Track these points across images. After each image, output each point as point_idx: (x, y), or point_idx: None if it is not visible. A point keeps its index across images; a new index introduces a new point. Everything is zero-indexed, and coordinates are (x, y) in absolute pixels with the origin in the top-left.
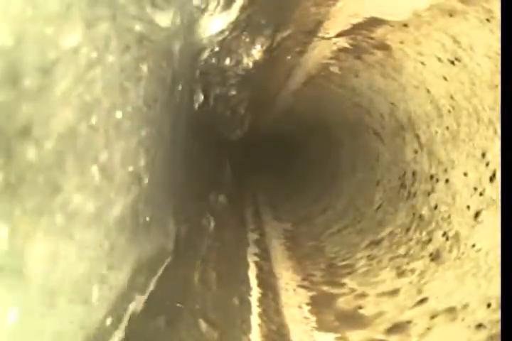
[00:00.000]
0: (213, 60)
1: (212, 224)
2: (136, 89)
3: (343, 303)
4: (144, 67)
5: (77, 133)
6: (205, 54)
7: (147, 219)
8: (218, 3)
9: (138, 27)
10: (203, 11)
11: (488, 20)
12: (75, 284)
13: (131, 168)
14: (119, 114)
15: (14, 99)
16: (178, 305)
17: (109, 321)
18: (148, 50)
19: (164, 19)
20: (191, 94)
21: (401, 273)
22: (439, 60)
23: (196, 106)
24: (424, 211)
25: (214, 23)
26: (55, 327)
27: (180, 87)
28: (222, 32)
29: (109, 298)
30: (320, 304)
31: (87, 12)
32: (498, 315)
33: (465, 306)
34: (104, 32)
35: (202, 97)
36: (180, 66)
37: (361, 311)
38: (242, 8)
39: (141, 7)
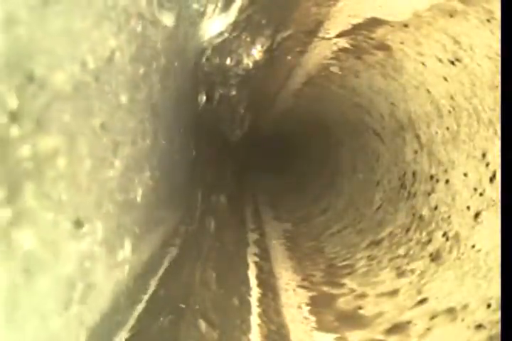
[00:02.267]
0: (214, 61)
1: (212, 224)
2: (141, 89)
3: (342, 303)
4: (150, 68)
5: (82, 135)
6: (206, 55)
7: (148, 219)
8: (216, 6)
9: (145, 27)
10: (202, 14)
11: (488, 20)
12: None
13: (132, 168)
14: (121, 114)
15: None
16: (181, 305)
17: (114, 321)
18: (153, 50)
19: (169, 20)
20: (193, 95)
21: (401, 274)
22: (440, 60)
23: (198, 107)
24: (424, 211)
25: (213, 26)
26: (57, 327)
27: (183, 88)
28: (221, 33)
29: (111, 298)
30: (320, 304)
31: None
32: (498, 316)
33: (465, 307)
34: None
35: (204, 98)
36: (183, 68)
37: (361, 311)
38: (241, 10)
39: (150, 6)
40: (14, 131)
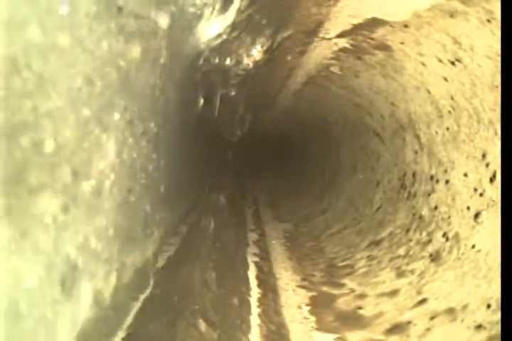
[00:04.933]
0: (213, 62)
1: (212, 224)
2: (139, 90)
3: (342, 304)
4: (147, 71)
5: (85, 135)
6: (205, 56)
7: (146, 218)
8: (214, 8)
9: (140, 27)
10: (199, 16)
11: (488, 21)
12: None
13: (131, 169)
14: (119, 116)
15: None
16: (180, 305)
17: (110, 320)
18: (150, 52)
19: (163, 21)
20: (192, 96)
21: (401, 274)
22: (440, 60)
23: (197, 107)
24: (424, 211)
25: (211, 28)
26: (55, 325)
27: (181, 88)
28: (219, 35)
29: (107, 297)
30: (319, 304)
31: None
32: (497, 316)
33: (465, 307)
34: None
35: (203, 99)
36: (179, 70)
37: (361, 311)
38: (240, 11)
39: (146, 7)
40: None
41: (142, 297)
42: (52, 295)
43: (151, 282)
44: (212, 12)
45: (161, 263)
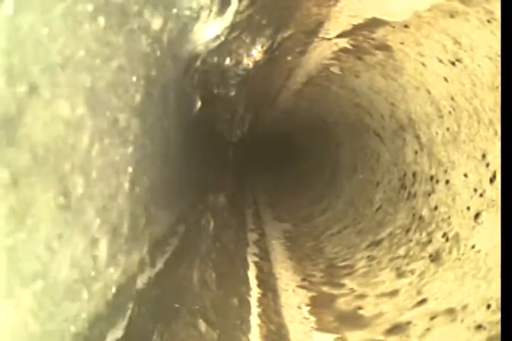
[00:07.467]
0: (213, 63)
1: (212, 224)
2: (137, 92)
3: (342, 304)
4: (138, 73)
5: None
6: (203, 58)
7: (145, 220)
8: (211, 11)
9: (133, 29)
10: (196, 19)
11: (488, 21)
12: (69, 280)
13: (129, 170)
14: (119, 118)
15: None
16: (176, 305)
17: (104, 319)
18: (145, 55)
19: (158, 23)
20: (191, 96)
21: (401, 274)
22: (440, 60)
23: (196, 107)
24: (424, 212)
25: (208, 30)
26: (48, 325)
27: (178, 89)
28: (217, 37)
29: (103, 296)
30: (319, 304)
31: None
32: (497, 316)
33: (464, 307)
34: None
35: (203, 99)
36: (177, 71)
37: (361, 312)
38: (239, 12)
39: (140, 9)
40: None
41: (138, 297)
42: None
43: (148, 282)
44: (209, 14)
45: (159, 263)
